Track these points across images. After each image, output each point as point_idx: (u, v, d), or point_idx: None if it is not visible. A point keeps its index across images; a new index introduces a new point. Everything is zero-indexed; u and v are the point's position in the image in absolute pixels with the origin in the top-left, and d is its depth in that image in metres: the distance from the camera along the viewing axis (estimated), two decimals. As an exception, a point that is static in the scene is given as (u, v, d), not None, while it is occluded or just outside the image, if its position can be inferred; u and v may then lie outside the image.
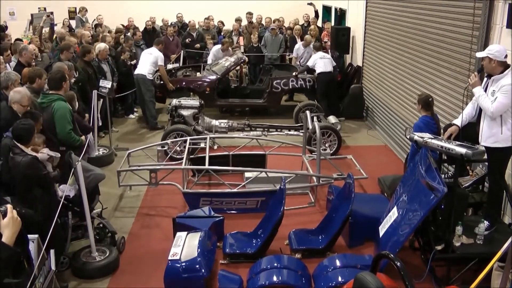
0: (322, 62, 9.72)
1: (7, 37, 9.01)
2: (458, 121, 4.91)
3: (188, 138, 7.36)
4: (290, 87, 10.19)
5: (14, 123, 4.57)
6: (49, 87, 5.65)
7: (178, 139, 7.76)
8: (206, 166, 6.30)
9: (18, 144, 4.39)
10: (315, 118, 8.07)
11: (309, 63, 9.90)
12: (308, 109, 8.80)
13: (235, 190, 6.21)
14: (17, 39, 10.38)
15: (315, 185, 6.51)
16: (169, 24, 13.29)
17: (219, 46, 11.39)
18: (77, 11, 14.71)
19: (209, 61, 11.33)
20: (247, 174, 6.66)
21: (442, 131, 5.40)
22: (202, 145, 7.45)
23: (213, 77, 9.99)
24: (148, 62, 9.45)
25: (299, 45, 11.23)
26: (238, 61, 10.41)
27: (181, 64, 12.25)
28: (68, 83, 5.79)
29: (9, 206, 2.69)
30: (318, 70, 9.71)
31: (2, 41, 8.54)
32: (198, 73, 10.56)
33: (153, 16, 13.62)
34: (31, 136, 4.46)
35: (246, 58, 11.10)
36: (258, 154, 7.42)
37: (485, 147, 4.58)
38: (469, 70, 5.92)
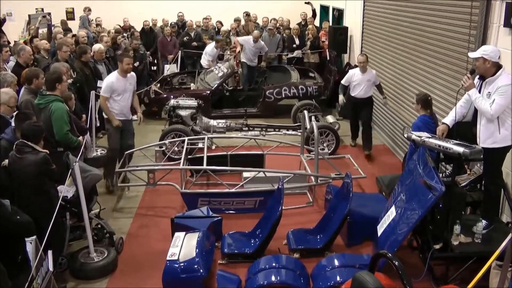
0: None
1: (3, 37, 8.98)
2: (447, 120, 4.93)
3: (186, 138, 7.35)
4: (283, 95, 10.16)
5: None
6: (46, 87, 5.66)
7: (176, 139, 7.75)
8: (204, 166, 6.29)
9: (29, 143, 4.45)
10: (313, 118, 8.07)
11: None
12: (306, 108, 8.82)
13: (233, 190, 6.21)
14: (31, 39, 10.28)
15: (313, 184, 6.51)
16: (169, 24, 13.23)
17: (212, 44, 11.46)
18: (74, 11, 14.73)
19: (206, 62, 11.33)
20: (245, 174, 6.65)
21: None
22: (200, 145, 7.44)
23: (207, 92, 10.01)
24: None
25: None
26: (231, 72, 10.41)
27: (178, 64, 12.25)
28: (64, 85, 5.75)
29: None
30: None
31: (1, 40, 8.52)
32: (192, 84, 10.53)
33: (153, 16, 13.61)
34: (41, 136, 4.58)
35: (240, 69, 11.12)
36: (256, 154, 7.42)
37: (483, 148, 4.58)
38: (466, 69, 5.91)
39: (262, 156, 7.35)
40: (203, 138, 7.33)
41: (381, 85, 8.32)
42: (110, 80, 6.69)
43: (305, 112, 7.43)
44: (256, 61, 11.31)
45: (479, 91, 4.58)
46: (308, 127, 7.31)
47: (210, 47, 11.44)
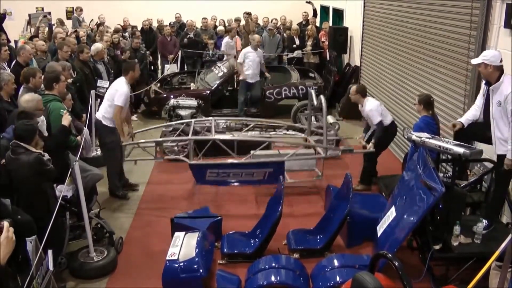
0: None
1: (2, 36, 8.94)
2: (463, 119, 5.02)
3: (193, 120, 7.30)
4: (283, 96, 10.18)
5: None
6: (44, 87, 5.66)
7: (177, 138, 7.72)
8: (213, 137, 6.25)
9: (22, 144, 4.39)
10: (313, 118, 8.06)
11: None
12: (306, 109, 8.81)
13: (243, 160, 6.13)
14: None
15: (323, 157, 6.48)
16: (168, 24, 13.22)
17: (227, 38, 11.73)
18: (74, 11, 14.74)
19: (223, 48, 11.65)
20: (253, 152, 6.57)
21: (441, 131, 5.42)
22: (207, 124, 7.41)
23: (207, 91, 10.02)
24: (107, 100, 6.42)
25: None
26: (231, 72, 10.41)
27: (179, 64, 12.25)
28: (62, 84, 5.73)
29: (6, 224, 2.59)
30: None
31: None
32: (192, 84, 10.54)
33: (151, 16, 13.60)
34: (34, 135, 4.48)
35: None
36: (262, 141, 7.33)
37: (499, 155, 4.57)
38: (466, 70, 5.93)
39: (269, 144, 7.27)
40: (209, 120, 7.32)
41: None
42: (126, 89, 6.22)
43: (311, 89, 7.29)
44: (258, 74, 10.18)
45: (488, 99, 4.61)
46: (316, 103, 7.15)
47: (225, 40, 11.67)
